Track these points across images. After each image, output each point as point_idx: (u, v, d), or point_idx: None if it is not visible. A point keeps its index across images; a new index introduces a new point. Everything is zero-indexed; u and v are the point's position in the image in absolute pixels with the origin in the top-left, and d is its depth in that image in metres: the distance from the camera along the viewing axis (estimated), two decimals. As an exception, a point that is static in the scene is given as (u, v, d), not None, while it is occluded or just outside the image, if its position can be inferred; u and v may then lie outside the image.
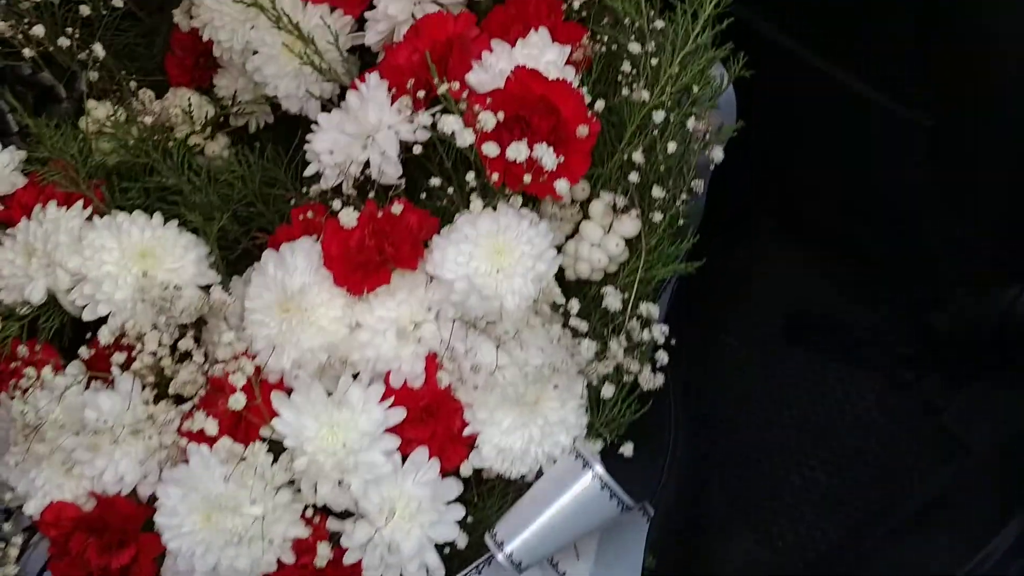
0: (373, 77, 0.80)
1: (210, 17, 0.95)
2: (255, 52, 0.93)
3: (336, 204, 0.77)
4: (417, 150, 0.77)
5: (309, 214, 0.82)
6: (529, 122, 0.75)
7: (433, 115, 0.77)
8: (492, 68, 0.78)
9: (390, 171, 0.78)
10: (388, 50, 0.84)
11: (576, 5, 0.84)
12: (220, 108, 1.02)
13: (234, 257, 0.88)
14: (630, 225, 0.79)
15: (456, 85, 0.76)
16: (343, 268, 0.75)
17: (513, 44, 0.80)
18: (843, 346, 1.20)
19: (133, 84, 0.99)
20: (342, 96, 0.88)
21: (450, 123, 0.73)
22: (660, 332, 0.77)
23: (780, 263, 1.22)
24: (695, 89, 0.79)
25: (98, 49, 0.92)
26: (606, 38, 0.82)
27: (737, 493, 1.16)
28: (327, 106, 0.92)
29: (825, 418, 1.20)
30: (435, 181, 0.77)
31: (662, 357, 0.77)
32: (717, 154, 0.79)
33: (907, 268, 1.12)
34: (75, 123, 0.96)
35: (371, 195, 0.78)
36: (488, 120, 0.73)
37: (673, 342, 0.78)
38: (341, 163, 0.79)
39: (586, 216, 0.81)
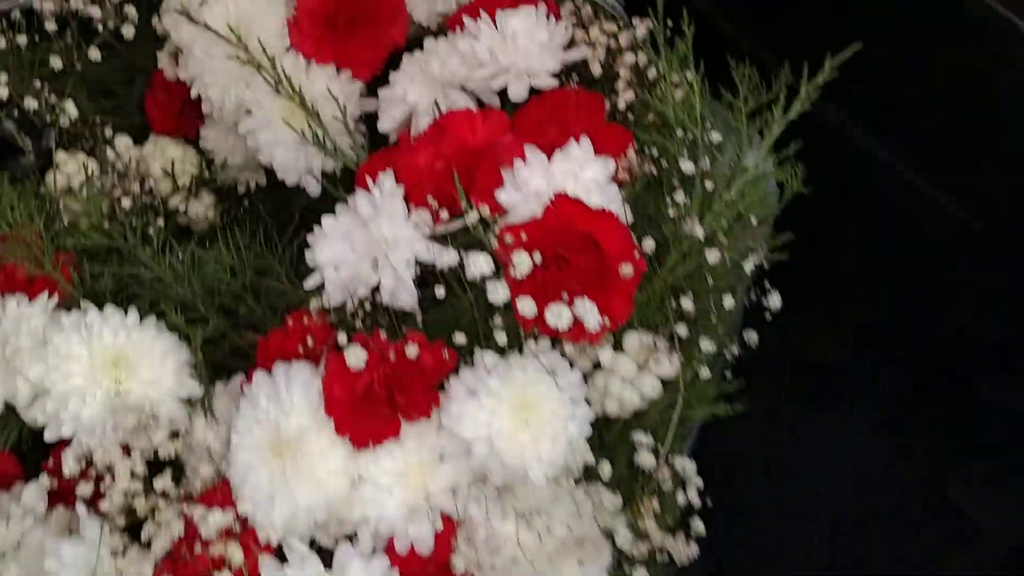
0: (388, 181, 0.70)
1: (199, 70, 0.84)
2: (248, 111, 0.83)
3: (341, 337, 0.68)
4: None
5: (306, 320, 0.72)
6: (568, 260, 0.66)
7: (457, 240, 0.67)
8: (526, 185, 0.68)
9: (405, 297, 0.68)
10: (404, 144, 0.74)
11: (621, 104, 0.74)
12: (207, 162, 0.91)
13: (218, 356, 0.79)
14: (670, 367, 0.71)
15: (486, 212, 0.66)
16: (347, 416, 0.66)
17: (549, 150, 0.70)
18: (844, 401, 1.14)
19: (108, 131, 0.88)
20: (348, 175, 0.78)
21: (480, 265, 0.63)
22: (696, 491, 0.69)
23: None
24: (753, 220, 0.70)
25: (70, 108, 0.81)
26: (653, 150, 0.72)
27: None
28: (328, 188, 0.82)
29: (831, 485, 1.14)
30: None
31: (697, 526, 0.69)
32: (775, 301, 0.70)
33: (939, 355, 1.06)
34: (41, 180, 0.85)
35: (380, 320, 0.69)
36: (523, 264, 0.63)
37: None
38: (348, 281, 0.69)
39: (618, 345, 0.73)
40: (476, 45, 0.73)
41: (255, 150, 0.83)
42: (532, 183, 0.68)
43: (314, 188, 0.82)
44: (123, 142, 0.90)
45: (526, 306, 0.62)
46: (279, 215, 0.92)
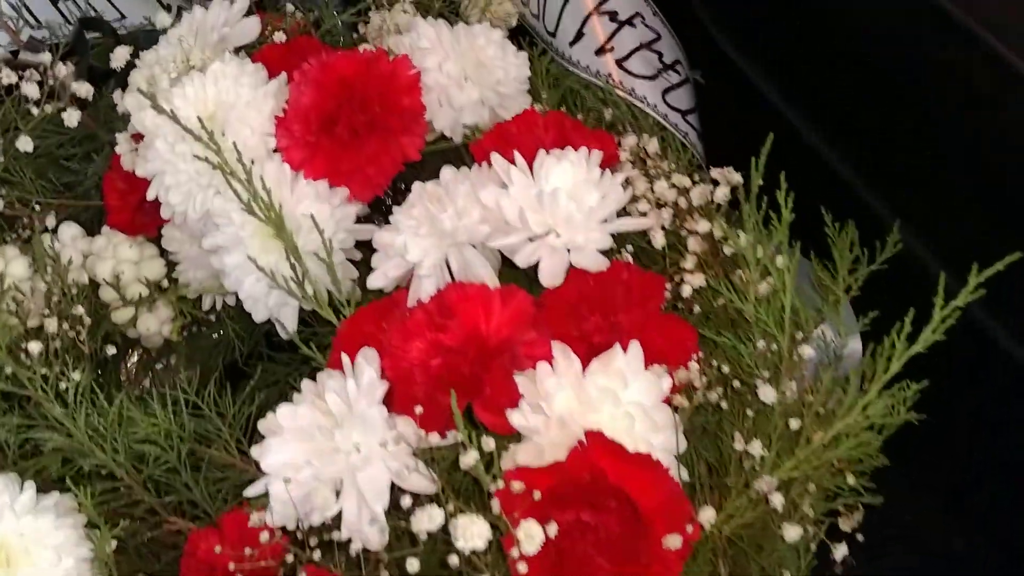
0: (368, 372, 0.53)
1: (160, 168, 0.67)
2: (216, 225, 0.66)
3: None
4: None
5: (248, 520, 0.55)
6: (594, 527, 0.48)
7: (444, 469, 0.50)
8: (549, 404, 0.51)
9: (373, 538, 0.51)
10: (398, 315, 0.56)
11: (686, 290, 0.57)
12: (169, 267, 0.75)
13: (138, 543, 0.62)
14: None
15: (490, 444, 0.48)
16: None
17: (585, 346, 0.53)
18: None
19: (51, 220, 0.72)
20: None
21: (471, 537, 0.45)
22: None
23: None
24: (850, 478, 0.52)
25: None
26: (723, 364, 0.54)
27: None
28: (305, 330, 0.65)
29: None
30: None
31: None
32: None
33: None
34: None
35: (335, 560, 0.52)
36: (533, 538, 0.46)
37: None
38: (299, 500, 0.52)
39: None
40: (504, 200, 0.55)
41: (221, 272, 0.67)
42: (558, 401, 0.51)
43: (291, 319, 0.65)
44: (69, 232, 0.74)
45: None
46: (250, 339, 0.76)
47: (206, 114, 0.66)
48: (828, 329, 0.60)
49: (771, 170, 0.56)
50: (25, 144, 0.68)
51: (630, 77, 0.70)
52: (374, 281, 0.60)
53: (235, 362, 0.76)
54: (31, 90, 0.66)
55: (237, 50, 0.74)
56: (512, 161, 0.58)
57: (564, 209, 0.54)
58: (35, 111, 0.70)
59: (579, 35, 0.72)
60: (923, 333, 0.50)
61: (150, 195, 0.67)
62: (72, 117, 0.68)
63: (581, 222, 0.55)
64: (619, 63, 0.71)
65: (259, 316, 0.66)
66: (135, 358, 0.78)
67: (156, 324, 0.74)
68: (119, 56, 0.71)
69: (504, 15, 0.77)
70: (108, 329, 0.73)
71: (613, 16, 0.71)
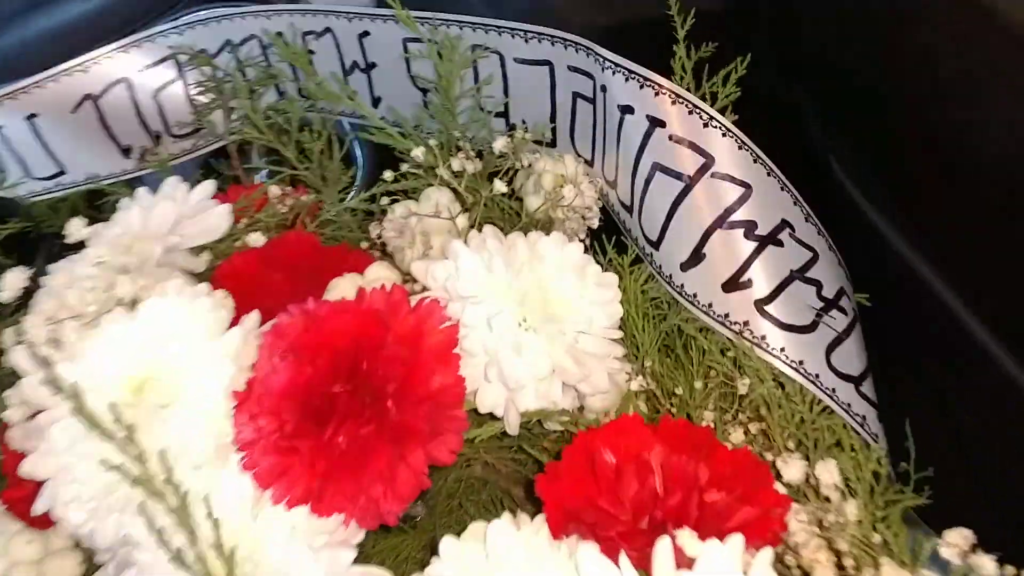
0: None
1: (54, 470, 0.44)
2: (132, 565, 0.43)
3: None
4: None
5: None
6: None
7: None
8: None
9: None
10: None
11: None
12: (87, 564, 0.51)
13: None
14: None
15: None
16: None
17: None
18: None
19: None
20: None
21: None
22: None
23: None
24: None
25: None
26: None
27: None
28: None
29: None
30: None
31: None
32: None
33: None
34: None
35: None
36: None
37: None
38: None
39: None
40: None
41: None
42: None
43: None
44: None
45: None
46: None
47: (130, 387, 0.43)
48: None
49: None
50: None
51: (778, 330, 0.46)
52: None
53: None
54: None
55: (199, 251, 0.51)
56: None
57: None
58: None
59: (696, 256, 0.48)
60: None
61: (37, 507, 0.44)
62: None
63: None
64: (761, 306, 0.47)
65: None
66: None
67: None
68: (10, 284, 0.48)
69: (582, 210, 0.53)
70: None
71: (750, 231, 0.47)
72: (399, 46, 0.62)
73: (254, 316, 0.46)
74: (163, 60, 0.67)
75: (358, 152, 0.73)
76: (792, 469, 0.40)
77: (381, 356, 0.42)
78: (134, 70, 0.67)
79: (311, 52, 0.66)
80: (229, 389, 0.43)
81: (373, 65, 0.64)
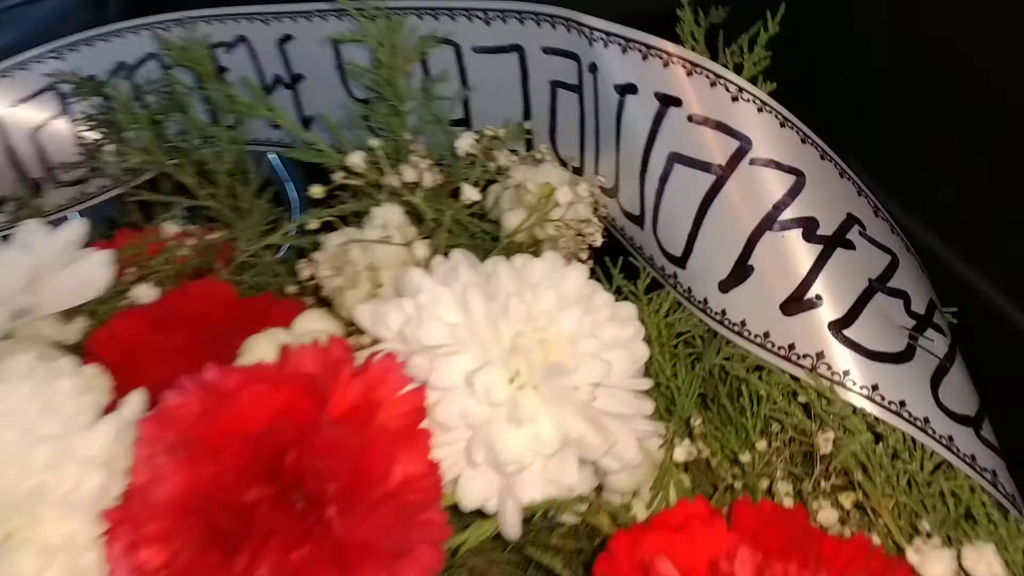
0: None
1: None
2: None
3: None
4: None
5: None
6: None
7: None
8: None
9: None
10: None
11: None
12: None
13: None
14: None
15: None
16: None
17: None
18: None
19: None
20: None
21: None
22: None
23: None
24: None
25: None
26: None
27: None
28: None
29: None
30: None
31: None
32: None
33: None
34: None
35: None
36: None
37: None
38: None
39: None
40: None
41: None
42: None
43: None
44: None
45: None
46: None
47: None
48: None
49: None
50: None
51: (864, 361, 0.33)
52: None
53: None
54: None
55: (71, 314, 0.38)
56: None
57: None
58: None
59: (740, 271, 0.35)
60: None
61: None
62: None
63: None
64: (838, 330, 0.34)
65: None
66: None
67: None
68: None
69: (577, 224, 0.40)
70: None
71: (810, 231, 0.34)
72: (328, 51, 0.50)
73: (136, 398, 0.32)
74: (41, 92, 0.55)
75: (291, 189, 0.60)
76: (935, 561, 0.27)
77: (315, 443, 0.28)
78: (3, 106, 0.54)
79: (223, 70, 0.53)
80: (96, 507, 0.29)
81: (299, 77, 0.52)
